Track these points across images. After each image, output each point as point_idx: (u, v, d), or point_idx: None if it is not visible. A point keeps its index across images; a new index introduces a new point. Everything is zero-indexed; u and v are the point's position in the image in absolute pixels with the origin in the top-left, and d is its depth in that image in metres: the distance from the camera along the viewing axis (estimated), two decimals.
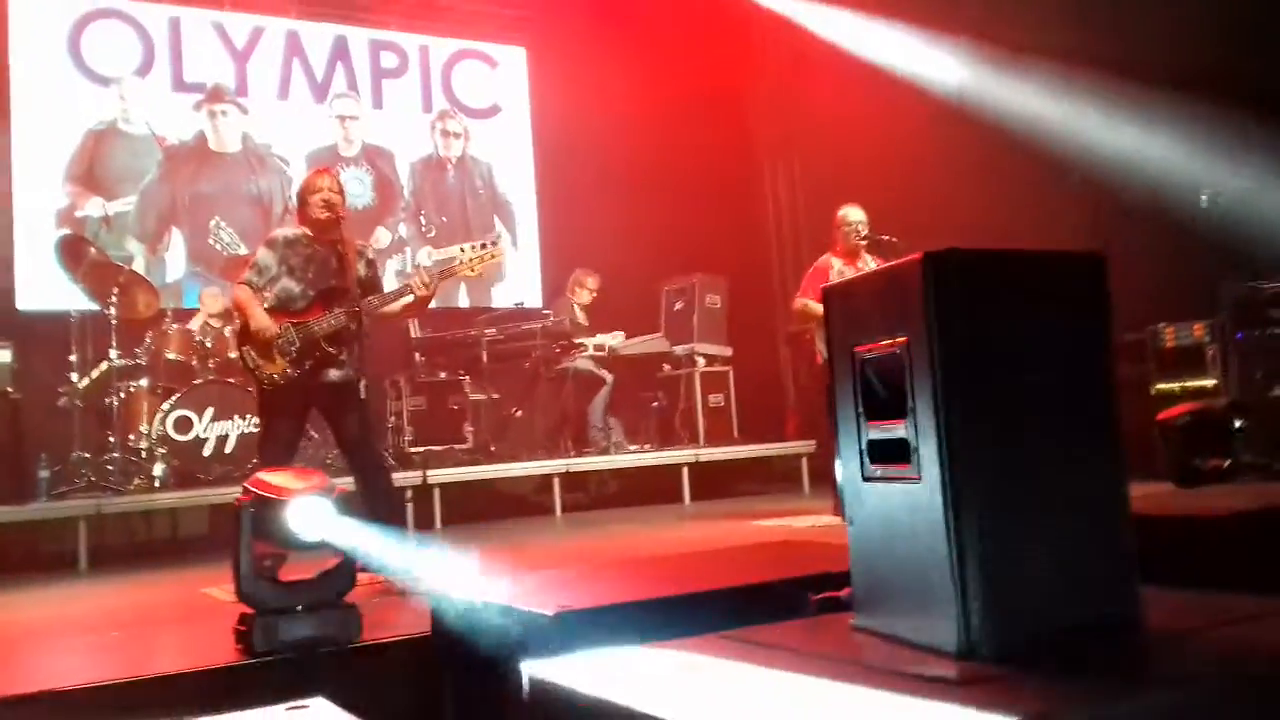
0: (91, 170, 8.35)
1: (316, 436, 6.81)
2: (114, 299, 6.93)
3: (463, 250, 5.36)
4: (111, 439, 6.83)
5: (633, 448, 8.58)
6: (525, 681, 1.75)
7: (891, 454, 1.79)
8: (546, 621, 2.28)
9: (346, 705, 1.86)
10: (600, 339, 8.67)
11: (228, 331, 7.11)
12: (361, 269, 4.82)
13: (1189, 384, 6.54)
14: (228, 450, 6.89)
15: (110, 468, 6.73)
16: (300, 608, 2.92)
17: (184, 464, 6.80)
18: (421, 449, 7.64)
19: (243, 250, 8.45)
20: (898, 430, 1.77)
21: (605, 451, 8.29)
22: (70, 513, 6.30)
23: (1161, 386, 6.60)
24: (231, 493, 3.46)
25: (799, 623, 2.00)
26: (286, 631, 2.87)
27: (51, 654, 3.37)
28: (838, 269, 6.08)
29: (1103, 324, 1.82)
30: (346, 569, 3.29)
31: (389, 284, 5.61)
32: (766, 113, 10.56)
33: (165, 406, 6.80)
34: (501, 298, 9.66)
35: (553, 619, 2.27)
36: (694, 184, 9.46)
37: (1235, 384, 6.25)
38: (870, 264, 6.03)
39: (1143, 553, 1.83)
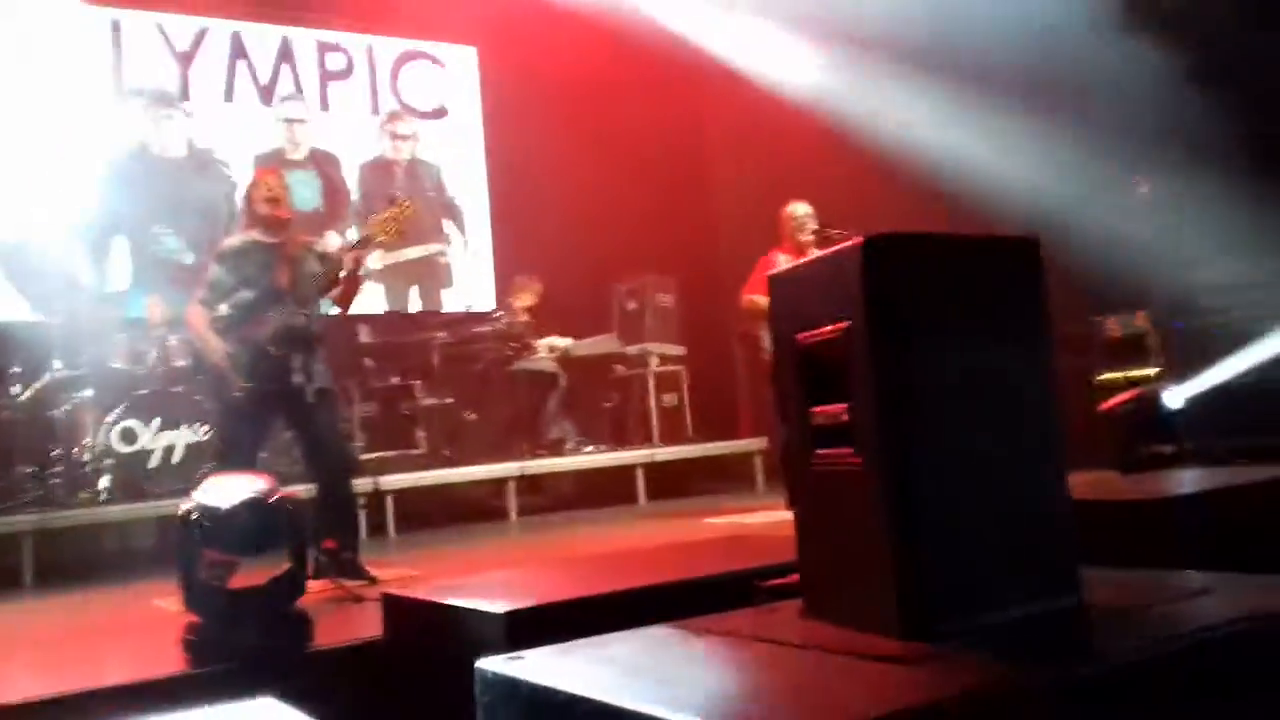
0: None
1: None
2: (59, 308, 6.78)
3: (371, 216, 5.26)
4: (56, 452, 6.69)
5: (588, 449, 8.56)
6: (478, 681, 1.74)
7: (835, 439, 1.81)
8: (497, 621, 2.29)
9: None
10: (552, 340, 8.65)
11: (173, 339, 6.99)
12: (314, 265, 4.76)
13: (1132, 373, 6.64)
14: (174, 460, 6.77)
15: (56, 480, 6.59)
16: (250, 615, 2.90)
17: (130, 476, 6.67)
18: (374, 456, 7.57)
19: (189, 258, 8.32)
20: (840, 416, 1.79)
21: (560, 453, 8.26)
22: (14, 528, 6.16)
23: (1105, 377, 6.69)
24: (179, 504, 3.40)
25: (748, 611, 2.01)
26: (236, 639, 2.85)
27: None
28: (784, 265, 6.10)
29: (1040, 306, 1.85)
30: (297, 575, 3.27)
31: None
32: (715, 112, 10.60)
33: (109, 419, 6.68)
34: (452, 302, 9.60)
35: (503, 617, 2.28)
36: (645, 183, 9.46)
37: (1176, 372, 6.36)
38: None
39: (1085, 536, 1.87)
